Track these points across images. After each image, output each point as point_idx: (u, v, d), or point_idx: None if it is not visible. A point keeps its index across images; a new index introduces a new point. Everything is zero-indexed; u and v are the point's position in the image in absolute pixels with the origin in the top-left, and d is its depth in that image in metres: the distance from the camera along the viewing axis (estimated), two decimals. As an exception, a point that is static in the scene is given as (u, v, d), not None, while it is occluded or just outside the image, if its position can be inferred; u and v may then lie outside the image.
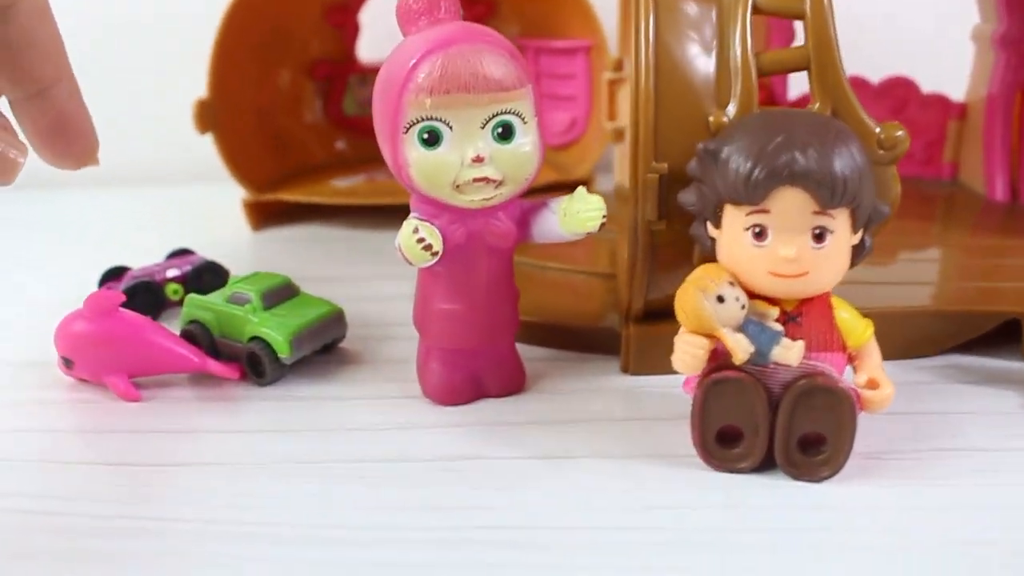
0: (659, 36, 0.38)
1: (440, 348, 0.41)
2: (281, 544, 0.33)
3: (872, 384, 0.35)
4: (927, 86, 0.70)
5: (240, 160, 0.67)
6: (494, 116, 0.35)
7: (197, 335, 0.46)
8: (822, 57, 0.39)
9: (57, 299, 0.50)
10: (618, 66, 0.66)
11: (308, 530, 0.33)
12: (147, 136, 0.84)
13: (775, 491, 0.35)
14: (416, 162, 0.35)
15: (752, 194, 0.33)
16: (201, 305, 0.46)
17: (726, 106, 0.39)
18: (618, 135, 0.67)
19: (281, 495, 0.36)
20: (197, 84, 0.66)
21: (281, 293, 0.46)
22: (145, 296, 0.52)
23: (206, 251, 0.59)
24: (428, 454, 0.38)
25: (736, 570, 0.31)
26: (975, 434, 0.39)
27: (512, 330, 0.41)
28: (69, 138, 0.39)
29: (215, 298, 0.46)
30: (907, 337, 0.45)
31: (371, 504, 0.35)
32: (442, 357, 0.41)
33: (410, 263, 0.36)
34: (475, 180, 0.36)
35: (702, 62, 0.39)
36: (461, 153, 0.35)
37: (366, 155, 0.76)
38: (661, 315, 0.43)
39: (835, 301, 0.35)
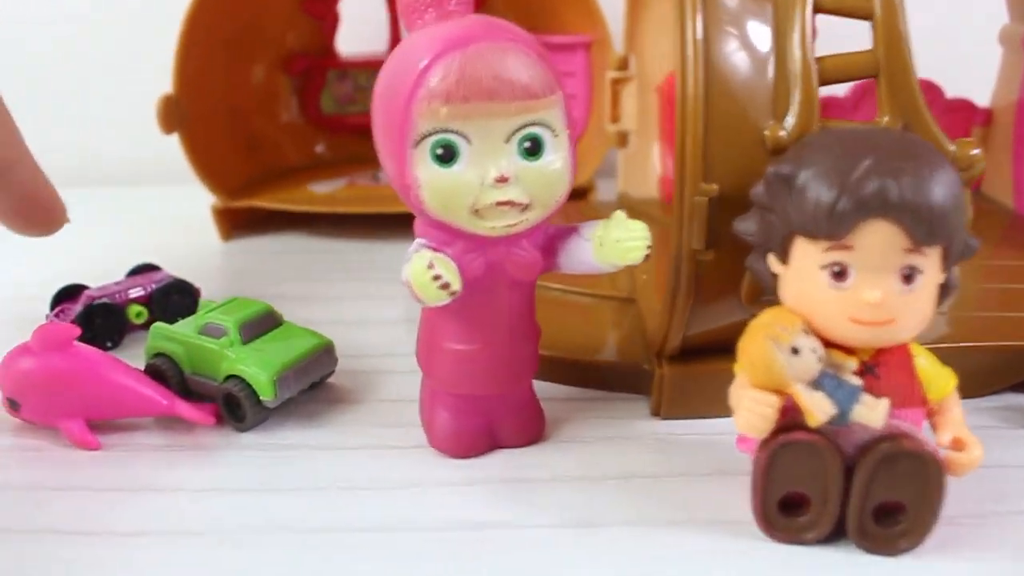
0: (708, 36, 0.33)
1: (450, 393, 0.35)
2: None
3: (958, 444, 0.30)
4: (951, 91, 0.66)
5: (209, 163, 0.61)
6: (521, 128, 0.30)
7: (164, 371, 0.40)
8: (893, 62, 0.34)
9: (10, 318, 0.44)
10: (623, 64, 0.61)
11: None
12: (105, 133, 0.78)
13: (847, 567, 0.30)
14: (428, 182, 0.30)
15: (835, 227, 0.28)
16: (169, 336, 0.40)
17: (783, 118, 0.33)
18: (621, 139, 0.62)
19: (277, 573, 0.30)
20: (162, 78, 0.59)
21: (262, 324, 0.40)
22: (105, 320, 0.46)
23: (170, 263, 0.52)
24: (439, 520, 0.33)
25: None
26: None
27: (532, 372, 0.36)
28: (34, 213, 0.40)
29: (185, 328, 0.40)
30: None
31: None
32: (452, 403, 0.36)
33: (421, 302, 0.31)
34: (498, 203, 0.30)
35: (757, 68, 0.34)
36: (481, 172, 0.30)
37: (346, 157, 0.70)
38: (699, 352, 0.38)
39: (914, 348, 0.30)
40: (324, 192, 0.65)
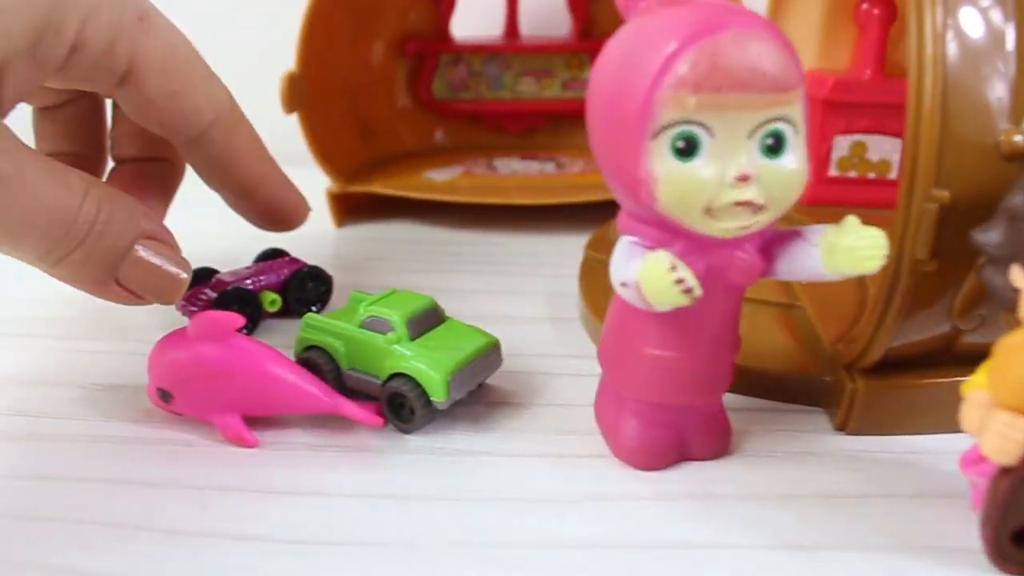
0: (948, 29, 0.31)
1: (640, 401, 0.33)
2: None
3: None
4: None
5: (327, 145, 0.59)
6: (766, 123, 0.28)
7: (320, 366, 0.38)
8: None
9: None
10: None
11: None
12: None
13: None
14: (666, 177, 0.28)
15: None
16: (325, 328, 0.39)
17: (1021, 123, 0.31)
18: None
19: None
20: (280, 57, 0.57)
21: (428, 319, 0.38)
22: (240, 307, 0.44)
23: (290, 248, 0.50)
24: (639, 538, 0.31)
25: None
26: None
27: (728, 384, 0.34)
28: (279, 220, 0.45)
29: (343, 321, 0.38)
30: None
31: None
32: (643, 412, 0.34)
33: (646, 305, 0.29)
34: (736, 204, 0.28)
35: (995, 66, 0.31)
36: (721, 168, 0.28)
37: (461, 144, 0.68)
38: (894, 366, 0.35)
39: None
40: (442, 180, 0.62)
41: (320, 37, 0.57)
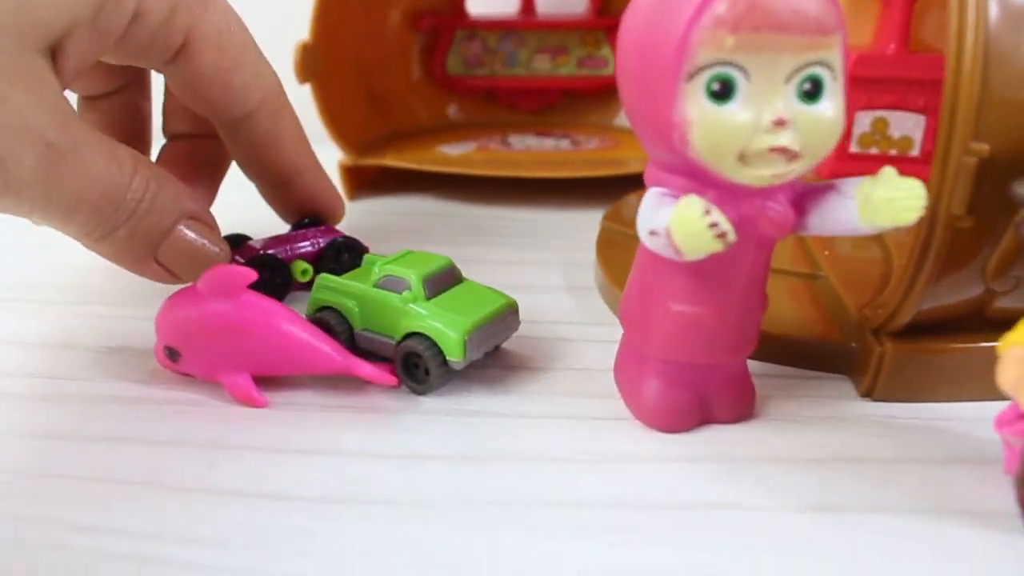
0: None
1: (664, 360, 0.32)
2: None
3: None
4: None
5: (339, 117, 0.58)
6: (805, 67, 0.27)
7: (333, 326, 0.37)
8: None
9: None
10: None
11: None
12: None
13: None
14: (700, 121, 0.27)
15: None
16: (339, 288, 0.38)
17: (1062, 75, 0.30)
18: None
19: (478, 550, 0.27)
20: (296, 28, 0.56)
21: (445, 279, 0.37)
22: (270, 275, 0.43)
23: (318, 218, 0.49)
24: (667, 498, 0.30)
25: None
26: None
27: (755, 344, 0.33)
28: (316, 215, 0.46)
29: (357, 281, 0.37)
30: None
31: (607, 564, 0.27)
32: (667, 372, 0.33)
33: (677, 254, 0.28)
34: (772, 150, 0.27)
35: (1036, 16, 0.30)
36: (757, 113, 0.27)
37: (474, 121, 0.67)
38: (922, 330, 0.35)
39: None
40: (456, 155, 0.61)
41: (335, 8, 0.57)
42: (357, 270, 0.39)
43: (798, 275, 0.43)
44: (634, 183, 0.46)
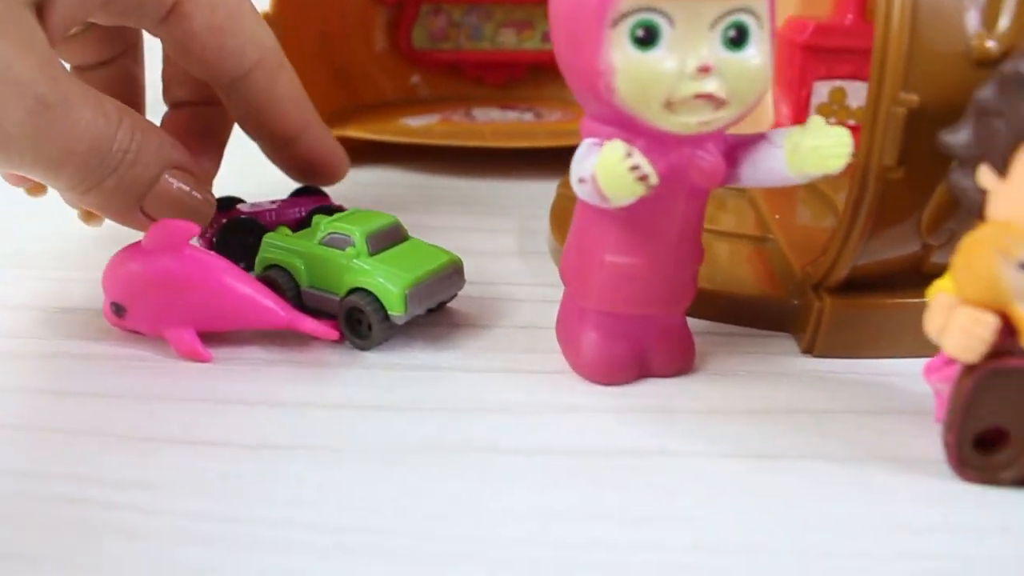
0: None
1: (602, 312, 0.33)
2: (413, 560, 0.25)
3: None
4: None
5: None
6: (729, 13, 0.27)
7: (279, 284, 0.37)
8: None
9: (107, 236, 0.41)
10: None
11: (447, 543, 0.26)
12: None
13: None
14: (624, 67, 0.27)
15: (1082, 130, 0.25)
16: (285, 247, 0.38)
17: (993, 28, 0.30)
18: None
19: (411, 493, 0.28)
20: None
21: (389, 236, 0.37)
22: (245, 238, 0.42)
23: (258, 193, 0.49)
24: (600, 446, 0.30)
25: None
26: None
27: (691, 296, 0.33)
28: (317, 173, 0.46)
29: (303, 239, 0.38)
30: None
31: (536, 507, 0.27)
32: (603, 324, 0.33)
33: (604, 200, 0.28)
34: (697, 96, 0.27)
35: (966, -32, 0.31)
36: (681, 59, 0.27)
37: (439, 95, 0.67)
38: (861, 287, 0.35)
39: None
40: (418, 126, 0.62)
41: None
42: (306, 230, 0.39)
43: (748, 238, 0.44)
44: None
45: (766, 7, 0.28)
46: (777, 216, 0.44)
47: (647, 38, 0.27)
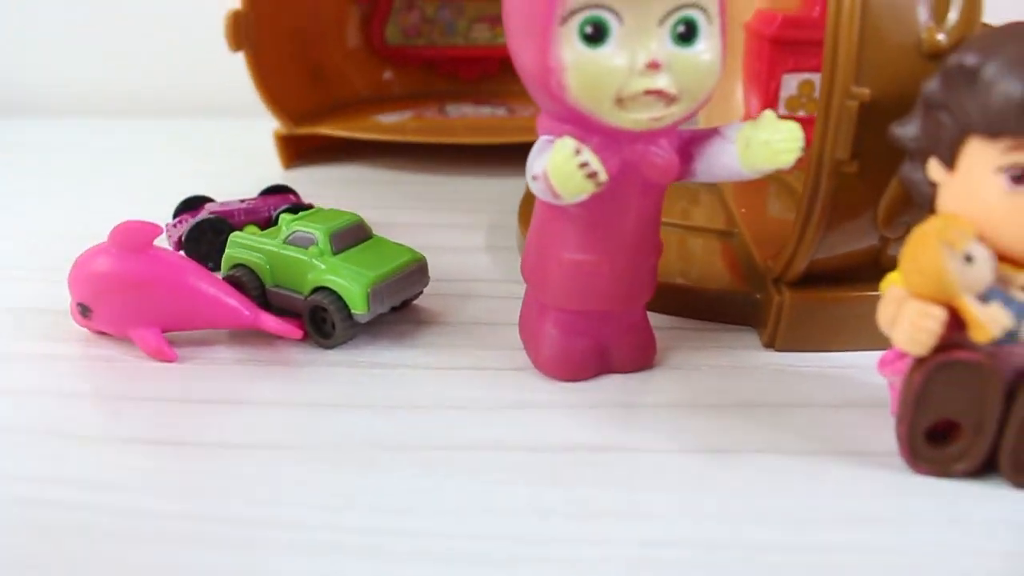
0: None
1: (562, 309, 0.33)
2: (370, 556, 0.25)
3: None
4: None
5: (274, 86, 0.58)
6: (677, 9, 0.27)
7: (244, 283, 0.38)
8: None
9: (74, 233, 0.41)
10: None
11: (404, 538, 0.26)
12: (166, 64, 0.75)
13: (996, 501, 0.28)
14: (574, 64, 0.27)
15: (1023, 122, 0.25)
16: (250, 246, 0.38)
17: (943, 21, 0.31)
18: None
19: (369, 489, 0.28)
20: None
21: (352, 235, 0.37)
22: (215, 237, 0.43)
23: (229, 190, 0.50)
24: (559, 441, 0.30)
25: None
26: None
27: (650, 292, 0.33)
28: None
29: (267, 239, 0.38)
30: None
31: (495, 503, 0.27)
32: (563, 321, 0.33)
33: (556, 197, 0.28)
34: (647, 92, 0.27)
35: (917, -37, 0.31)
36: (631, 56, 0.27)
37: (412, 91, 0.67)
38: (821, 280, 0.35)
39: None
40: (391, 123, 0.62)
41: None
42: (272, 229, 0.39)
43: (715, 232, 0.44)
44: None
45: (715, 3, 0.28)
46: (743, 210, 0.44)
47: (596, 35, 0.27)
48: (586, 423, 0.31)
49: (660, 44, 0.27)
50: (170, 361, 0.35)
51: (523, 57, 0.29)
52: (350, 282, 0.35)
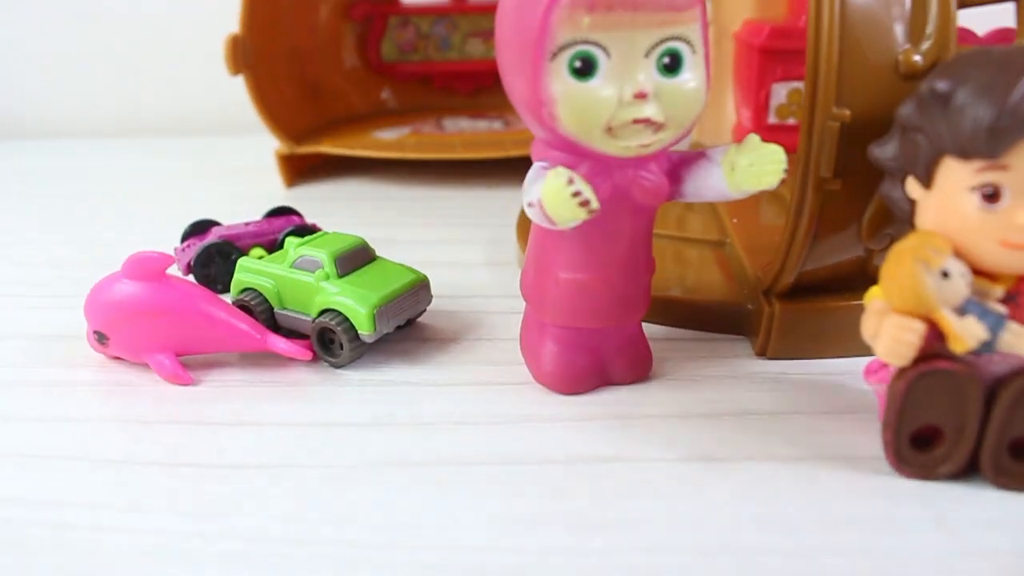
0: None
1: (560, 326, 0.34)
2: (381, 569, 0.26)
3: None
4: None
5: (274, 106, 0.59)
6: (661, 42, 0.29)
7: (253, 307, 0.39)
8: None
9: (87, 261, 0.43)
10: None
11: (412, 552, 0.27)
12: (169, 84, 0.76)
13: (979, 502, 0.29)
14: (565, 97, 0.28)
15: (992, 146, 0.27)
16: (258, 271, 0.39)
17: (919, 44, 0.32)
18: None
19: (384, 507, 0.29)
20: (226, 23, 0.58)
21: (356, 257, 0.39)
22: (224, 260, 0.44)
23: (232, 210, 0.51)
24: (559, 454, 0.32)
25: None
26: None
27: (645, 307, 0.35)
28: None
29: (275, 263, 0.39)
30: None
31: (499, 516, 0.29)
32: (562, 337, 0.34)
33: (551, 224, 0.29)
34: (635, 121, 0.29)
35: (892, -12, 0.32)
36: (619, 87, 0.29)
37: (409, 106, 0.69)
38: (810, 290, 0.36)
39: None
40: (390, 139, 0.63)
41: (263, 2, 0.58)
42: (279, 252, 0.41)
43: (707, 242, 0.45)
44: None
45: (699, 34, 0.29)
46: (735, 220, 0.45)
47: (585, 69, 0.28)
48: (586, 435, 0.33)
49: (647, 75, 0.29)
50: (186, 385, 0.37)
51: (516, 90, 0.30)
52: (357, 304, 0.36)
